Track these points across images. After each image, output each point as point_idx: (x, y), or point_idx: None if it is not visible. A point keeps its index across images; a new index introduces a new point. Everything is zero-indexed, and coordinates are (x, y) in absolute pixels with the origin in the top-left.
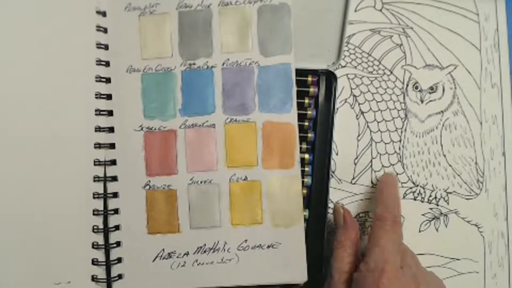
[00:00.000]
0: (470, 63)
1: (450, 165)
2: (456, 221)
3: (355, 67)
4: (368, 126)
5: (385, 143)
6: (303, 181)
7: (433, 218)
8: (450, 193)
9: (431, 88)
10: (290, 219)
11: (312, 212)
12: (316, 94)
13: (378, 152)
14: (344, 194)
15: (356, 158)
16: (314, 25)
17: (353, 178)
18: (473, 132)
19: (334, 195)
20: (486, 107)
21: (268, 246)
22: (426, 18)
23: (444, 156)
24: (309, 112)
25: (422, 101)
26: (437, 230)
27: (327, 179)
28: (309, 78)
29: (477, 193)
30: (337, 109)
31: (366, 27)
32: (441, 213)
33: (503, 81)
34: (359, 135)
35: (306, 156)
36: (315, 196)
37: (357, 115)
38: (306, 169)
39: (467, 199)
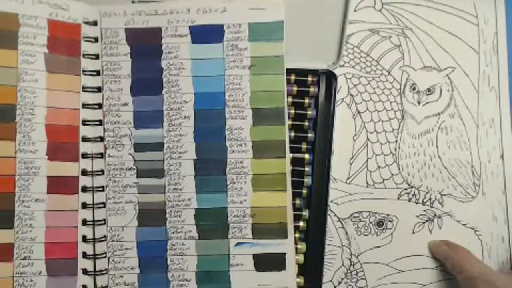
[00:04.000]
0: (468, 66)
1: (445, 168)
2: (451, 224)
3: (353, 66)
4: (364, 126)
5: (381, 144)
6: (303, 181)
7: (427, 220)
8: (444, 195)
9: (429, 89)
10: None
11: (312, 212)
12: (316, 94)
13: (374, 153)
14: (339, 194)
15: (352, 157)
16: (314, 25)
17: (348, 178)
18: (469, 135)
19: (330, 195)
20: (483, 110)
21: None
22: (425, 20)
23: (440, 158)
24: (309, 112)
25: (419, 103)
26: (430, 232)
27: (327, 179)
28: (309, 78)
29: (473, 196)
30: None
31: (365, 27)
32: (435, 215)
33: (501, 84)
34: (355, 135)
35: (306, 156)
36: (315, 196)
37: (354, 115)
38: (306, 169)
39: (462, 202)
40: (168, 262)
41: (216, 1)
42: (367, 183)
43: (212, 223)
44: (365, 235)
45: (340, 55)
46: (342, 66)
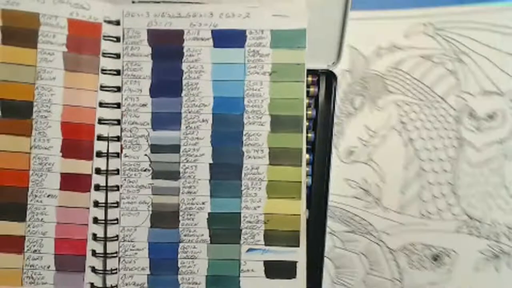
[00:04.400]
0: None
1: None
2: None
3: (404, 93)
4: (416, 155)
5: (436, 173)
6: None
7: (493, 257)
8: None
9: (489, 115)
10: None
11: (312, 212)
12: (316, 94)
13: (428, 182)
14: (390, 223)
15: (404, 187)
16: (314, 25)
17: (400, 207)
18: None
19: (379, 224)
20: None
21: None
22: (483, 43)
23: (506, 188)
24: (309, 112)
25: (478, 130)
26: (497, 270)
27: (327, 179)
28: (309, 78)
29: None
30: (385, 136)
31: (416, 53)
32: (502, 251)
33: None
34: (406, 163)
35: (306, 156)
36: (315, 196)
37: (405, 143)
38: (306, 169)
39: None
40: (179, 264)
41: (240, 6)
42: (421, 213)
43: (225, 228)
44: (419, 269)
45: (340, 55)
46: (393, 93)
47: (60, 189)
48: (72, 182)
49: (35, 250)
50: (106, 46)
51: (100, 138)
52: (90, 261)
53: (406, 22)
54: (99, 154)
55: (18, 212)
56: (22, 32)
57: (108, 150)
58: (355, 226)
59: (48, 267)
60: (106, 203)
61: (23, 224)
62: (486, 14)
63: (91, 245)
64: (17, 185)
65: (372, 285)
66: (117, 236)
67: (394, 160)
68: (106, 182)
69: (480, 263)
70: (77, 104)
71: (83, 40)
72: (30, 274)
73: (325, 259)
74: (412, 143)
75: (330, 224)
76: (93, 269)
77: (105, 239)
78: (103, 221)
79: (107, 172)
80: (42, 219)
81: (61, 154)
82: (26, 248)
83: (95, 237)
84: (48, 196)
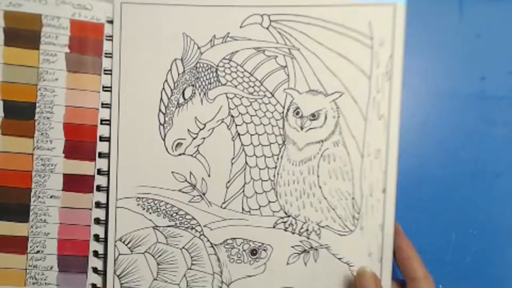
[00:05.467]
0: (357, 91)
1: (325, 198)
2: (326, 257)
3: (235, 86)
4: (243, 150)
5: (260, 169)
6: None
7: (303, 251)
8: (322, 227)
9: (313, 115)
10: None
11: None
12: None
13: (252, 177)
14: (213, 218)
15: (229, 181)
16: None
17: (224, 202)
18: (353, 165)
19: (203, 219)
20: (370, 139)
21: None
22: (315, 40)
23: (320, 187)
24: None
25: (302, 128)
26: (305, 264)
27: None
28: None
29: (352, 229)
30: (213, 128)
31: (250, 45)
32: (311, 247)
33: (392, 113)
34: (233, 158)
35: None
36: None
37: (233, 137)
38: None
39: (340, 235)
40: None
41: None
42: (243, 209)
43: None
44: (238, 263)
45: None
46: (224, 85)
47: (63, 190)
48: (75, 183)
49: (38, 251)
50: (108, 46)
51: (102, 138)
52: (92, 262)
53: (243, 12)
54: (100, 155)
55: (21, 212)
56: (25, 33)
57: (110, 150)
58: (179, 221)
59: (51, 267)
60: (107, 204)
61: (26, 225)
62: (323, 10)
63: (93, 246)
64: (20, 186)
65: (193, 280)
66: None
67: (222, 155)
68: (108, 183)
69: (292, 257)
70: (79, 105)
71: (86, 41)
72: (33, 274)
73: (147, 255)
74: (240, 137)
75: (154, 218)
76: (95, 270)
77: (107, 240)
78: (104, 222)
79: (109, 173)
80: (45, 220)
81: (63, 155)
82: (29, 249)
83: (97, 238)
84: (51, 197)
